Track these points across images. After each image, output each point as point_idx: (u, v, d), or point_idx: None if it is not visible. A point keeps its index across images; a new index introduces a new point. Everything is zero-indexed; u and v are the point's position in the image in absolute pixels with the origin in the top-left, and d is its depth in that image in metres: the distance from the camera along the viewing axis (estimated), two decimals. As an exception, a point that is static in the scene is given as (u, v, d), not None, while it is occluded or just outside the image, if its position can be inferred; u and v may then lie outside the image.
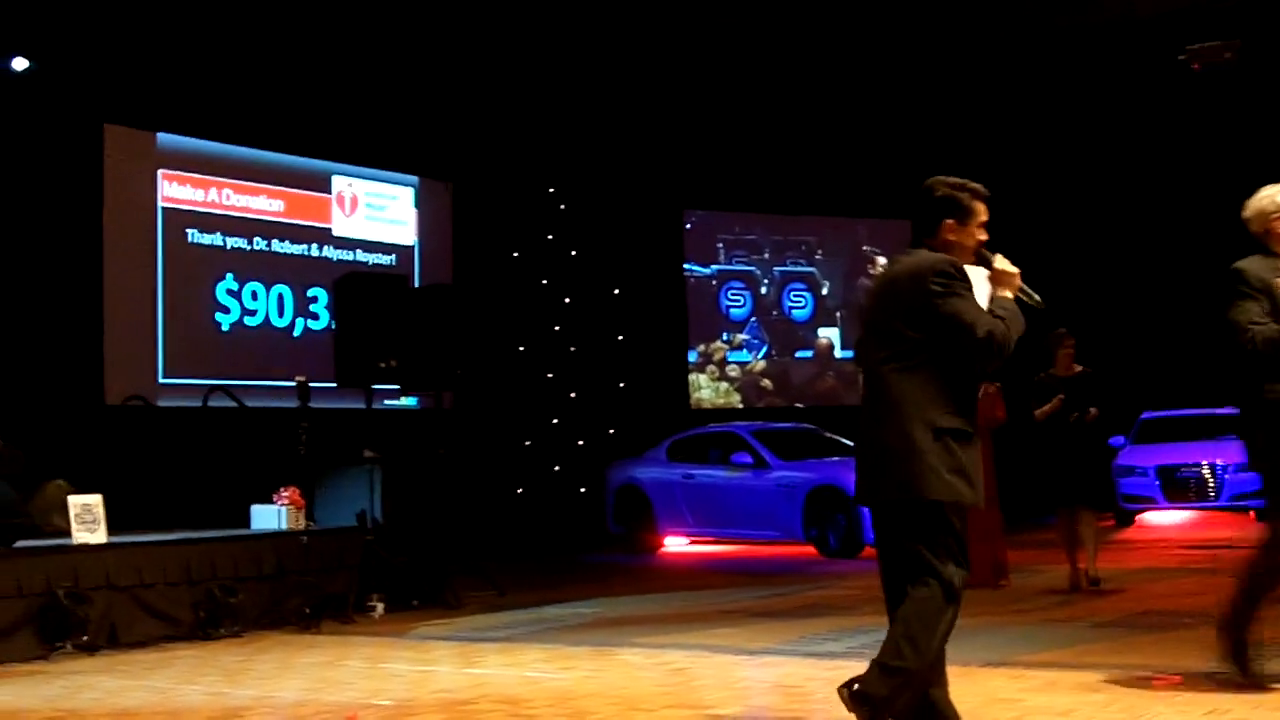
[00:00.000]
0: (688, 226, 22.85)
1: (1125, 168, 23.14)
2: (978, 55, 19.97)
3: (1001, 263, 5.75)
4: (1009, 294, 5.71)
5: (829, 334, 23.82)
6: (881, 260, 22.83)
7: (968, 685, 7.33)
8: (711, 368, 22.83)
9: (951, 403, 5.59)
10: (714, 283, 23.01)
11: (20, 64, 14.67)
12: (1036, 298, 5.74)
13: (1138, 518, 20.69)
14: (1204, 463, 19.71)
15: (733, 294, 23.09)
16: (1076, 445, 12.08)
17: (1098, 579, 12.04)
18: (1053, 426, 12.10)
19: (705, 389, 22.80)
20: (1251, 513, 18.12)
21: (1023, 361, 11.32)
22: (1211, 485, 19.69)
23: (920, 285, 5.58)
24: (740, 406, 22.60)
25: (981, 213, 5.83)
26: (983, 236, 5.83)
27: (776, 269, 23.48)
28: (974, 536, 12.32)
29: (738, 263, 23.13)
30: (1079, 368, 12.26)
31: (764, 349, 23.31)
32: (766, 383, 23.13)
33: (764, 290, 23.38)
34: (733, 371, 22.96)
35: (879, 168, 21.44)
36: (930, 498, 5.51)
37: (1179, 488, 19.92)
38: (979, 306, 5.60)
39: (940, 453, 5.53)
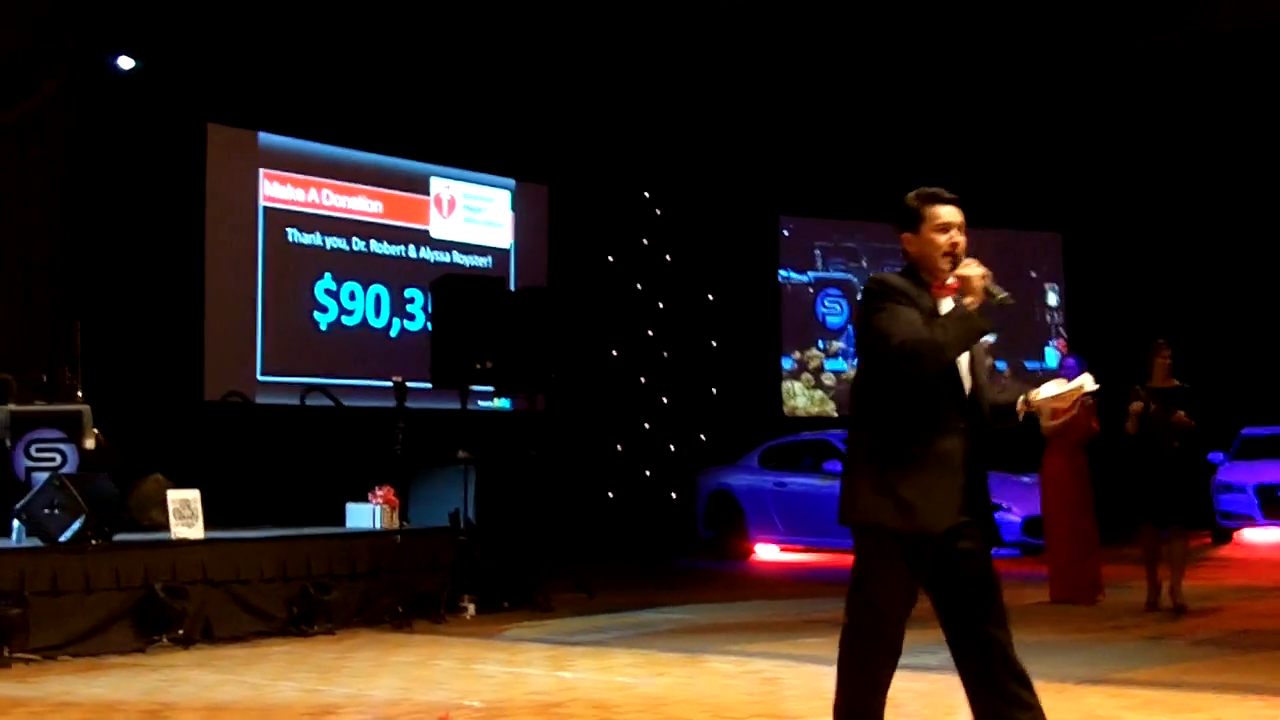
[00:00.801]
0: (784, 233, 22.77)
1: (1226, 180, 22.85)
2: (1076, 67, 19.85)
3: (963, 268, 5.37)
4: (971, 299, 5.32)
5: (925, 343, 23.60)
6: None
7: (1065, 703, 7.26)
8: (806, 375, 22.74)
9: (898, 422, 5.35)
10: (810, 290, 22.93)
11: (126, 63, 14.85)
12: (1002, 294, 5.34)
13: (1235, 535, 20.38)
14: (1304, 481, 19.44)
15: (829, 301, 22.99)
16: (1172, 462, 11.87)
17: (1183, 606, 11.61)
18: (1146, 441, 11.90)
19: (800, 397, 22.71)
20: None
21: (1121, 373, 11.26)
22: (1312, 504, 19.41)
23: (859, 309, 5.51)
24: (835, 415, 22.48)
25: (937, 216, 5.43)
26: (944, 240, 5.42)
27: (874, 277, 23.31)
28: (1070, 552, 12.35)
29: (835, 270, 23.03)
30: (1175, 381, 12.07)
31: (867, 356, 23.13)
32: (859, 391, 22.99)
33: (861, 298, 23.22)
34: (828, 379, 22.86)
35: (978, 176, 21.29)
36: (845, 520, 5.38)
37: (1278, 506, 19.63)
38: (904, 319, 5.30)
39: (870, 474, 5.33)
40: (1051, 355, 23.55)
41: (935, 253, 5.41)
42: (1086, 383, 5.38)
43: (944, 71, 19.99)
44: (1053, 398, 5.39)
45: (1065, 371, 12.17)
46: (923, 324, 5.26)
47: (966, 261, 5.37)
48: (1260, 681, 7.95)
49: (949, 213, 5.44)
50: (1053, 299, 23.98)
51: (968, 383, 5.37)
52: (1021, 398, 5.48)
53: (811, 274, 22.96)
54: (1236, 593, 13.24)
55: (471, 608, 11.85)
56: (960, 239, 5.41)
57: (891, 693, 5.69)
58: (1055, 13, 18.54)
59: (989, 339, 5.55)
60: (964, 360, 5.36)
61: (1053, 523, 12.76)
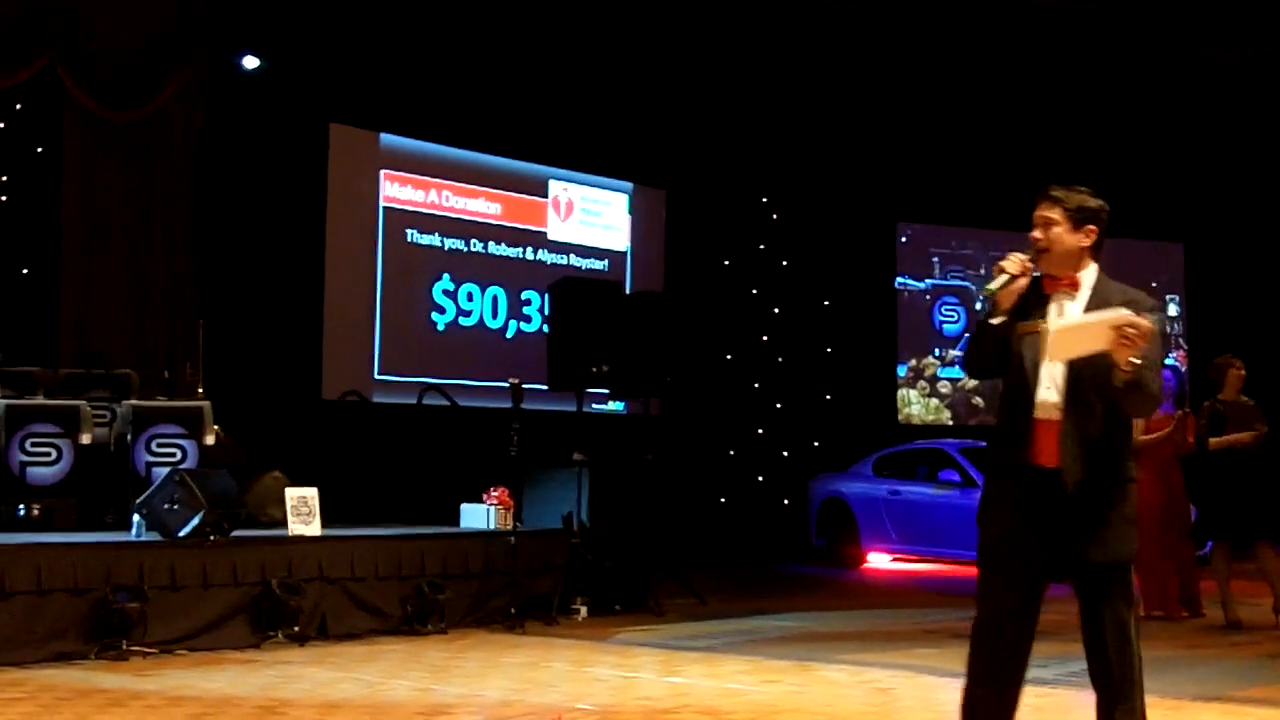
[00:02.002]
0: (902, 240, 22.63)
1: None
2: (1199, 74, 19.59)
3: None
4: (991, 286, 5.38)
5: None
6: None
7: (1181, 720, 7.17)
8: (922, 383, 22.58)
9: (996, 437, 5.51)
10: (927, 297, 22.75)
11: (251, 63, 15.03)
12: (992, 286, 5.33)
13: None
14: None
15: (946, 309, 22.80)
16: (1257, 476, 11.74)
17: None
18: (1228, 456, 11.79)
19: (915, 404, 22.56)
20: None
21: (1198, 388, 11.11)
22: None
23: None
24: (950, 423, 22.31)
25: (1035, 213, 5.49)
26: (1033, 235, 5.45)
27: (993, 285, 23.08)
28: (1161, 567, 12.10)
29: (953, 278, 22.83)
30: (1244, 398, 11.98)
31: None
32: (978, 400, 22.80)
33: (979, 306, 23.05)
34: (944, 388, 22.67)
35: (1099, 183, 21.01)
36: None
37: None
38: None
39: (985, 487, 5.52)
40: (1170, 366, 23.21)
41: (1037, 251, 5.43)
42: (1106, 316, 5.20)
43: (1066, 78, 19.77)
44: (1070, 328, 5.25)
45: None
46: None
47: (994, 266, 5.40)
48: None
49: (1038, 208, 5.45)
50: (1173, 309, 23.63)
51: (1059, 379, 5.26)
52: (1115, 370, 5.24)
53: (928, 281, 22.78)
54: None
55: (584, 610, 11.89)
56: (1039, 234, 5.39)
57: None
58: (1177, 20, 18.29)
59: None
60: (1042, 366, 5.28)
61: (1144, 538, 12.56)
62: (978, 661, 5.33)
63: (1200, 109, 20.76)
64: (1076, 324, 5.23)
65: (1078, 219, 5.39)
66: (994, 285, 5.31)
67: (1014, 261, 5.31)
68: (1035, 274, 5.39)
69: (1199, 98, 20.46)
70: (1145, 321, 5.05)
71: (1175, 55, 19.21)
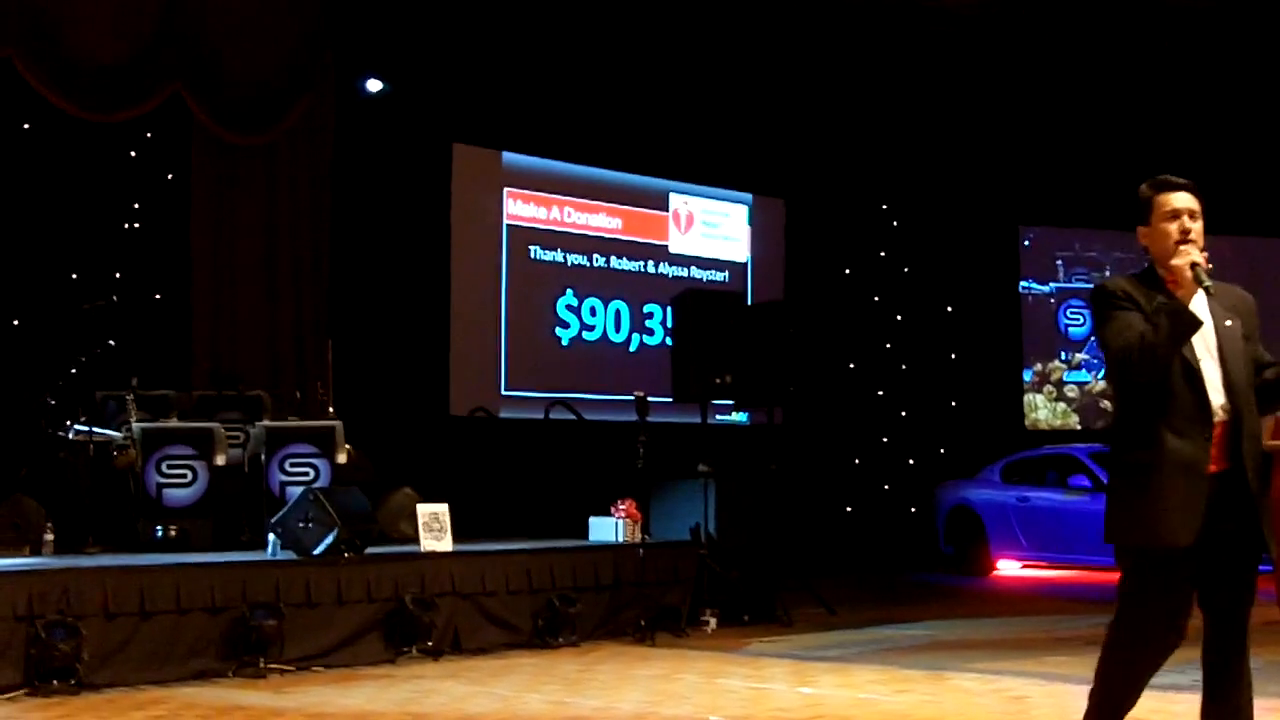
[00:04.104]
0: (1025, 243, 22.43)
1: None
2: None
3: (1175, 258, 5.09)
4: (1182, 291, 5.04)
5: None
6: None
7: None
8: (1048, 388, 22.36)
9: (1134, 432, 5.15)
10: (1052, 301, 22.54)
11: (375, 85, 15.23)
12: (1205, 282, 5.01)
13: None
14: None
15: (1072, 312, 22.56)
16: None
17: None
18: None
19: (1042, 409, 22.35)
20: None
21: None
22: None
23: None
24: (1079, 428, 22.08)
25: (1166, 204, 5.18)
26: (1174, 228, 5.14)
27: (1120, 287, 22.81)
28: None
29: (1078, 280, 22.58)
30: None
31: (1104, 369, 22.74)
32: (1107, 404, 22.54)
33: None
34: (1071, 392, 22.44)
35: (1221, 180, 20.75)
36: (1107, 541, 5.25)
37: None
38: (1121, 324, 5.07)
39: (1122, 490, 5.18)
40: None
41: (1167, 243, 5.16)
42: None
43: (1189, 75, 19.53)
44: None
45: None
46: (1143, 326, 5.02)
47: (1181, 249, 5.09)
48: None
49: (1180, 199, 5.19)
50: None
51: (1218, 381, 5.10)
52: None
53: (1053, 284, 22.56)
54: None
55: (713, 621, 11.90)
56: (1193, 225, 5.14)
57: (1142, 713, 5.60)
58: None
59: (1233, 329, 5.20)
60: (1211, 358, 5.11)
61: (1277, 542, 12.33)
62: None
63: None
64: None
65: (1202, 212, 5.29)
66: (1210, 282, 5.06)
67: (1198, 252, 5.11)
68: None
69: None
70: None
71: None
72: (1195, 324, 5.02)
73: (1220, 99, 20.11)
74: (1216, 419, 5.08)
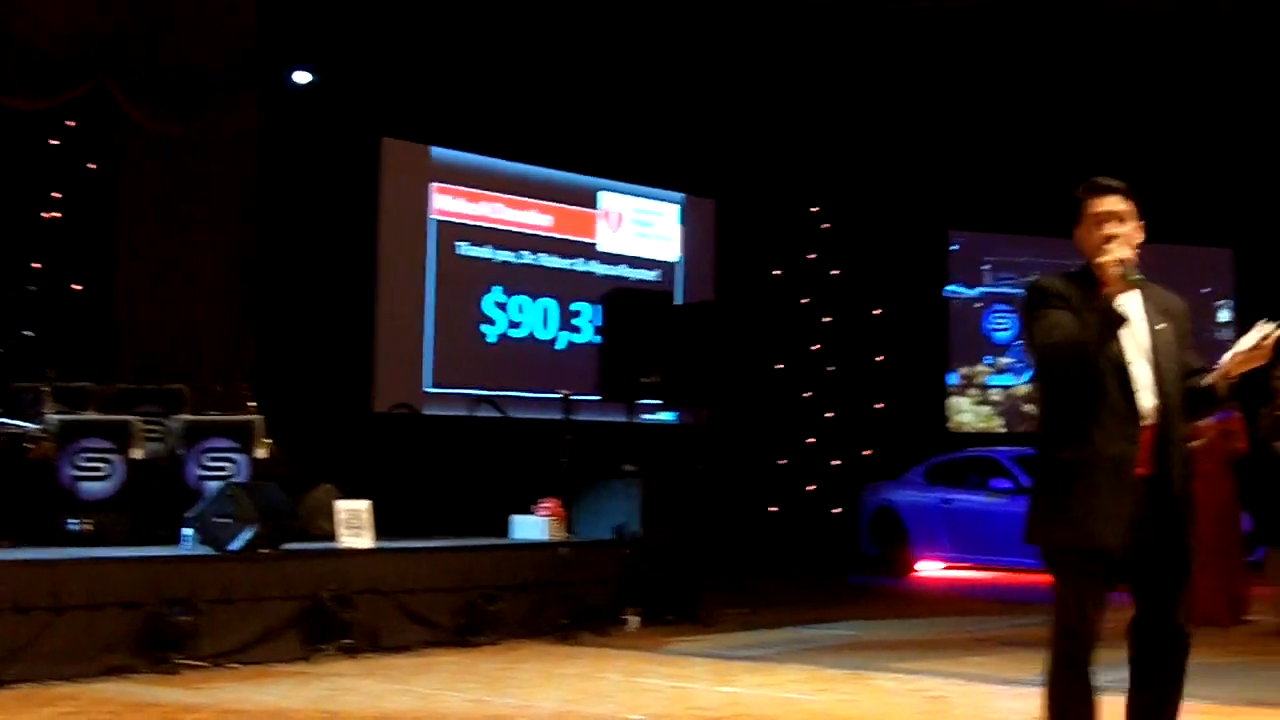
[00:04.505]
0: (953, 248, 22.54)
1: None
2: (1252, 79, 19.44)
3: (1100, 256, 5.11)
4: (1109, 289, 5.04)
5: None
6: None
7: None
8: (973, 390, 22.49)
9: (1060, 432, 5.13)
10: (978, 305, 22.67)
11: (303, 78, 15.10)
12: (1133, 275, 5.02)
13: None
14: None
15: (997, 317, 22.69)
16: None
17: None
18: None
19: (966, 412, 22.46)
20: None
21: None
22: None
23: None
24: (1003, 430, 22.20)
25: (1094, 207, 5.20)
26: (1100, 231, 5.16)
27: (1045, 292, 22.96)
28: (1211, 573, 11.94)
29: (1005, 285, 22.72)
30: None
31: (1029, 373, 22.86)
32: (1030, 407, 22.67)
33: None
34: (995, 395, 22.57)
35: (1149, 189, 20.87)
36: (1027, 541, 5.23)
37: None
38: (1050, 322, 5.08)
39: (1048, 489, 5.15)
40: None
41: (1095, 245, 5.18)
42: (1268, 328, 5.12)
43: (1116, 83, 19.66)
44: (1243, 352, 5.16)
45: None
46: (1073, 325, 5.02)
47: (1106, 248, 5.10)
48: None
49: (1109, 202, 5.21)
50: (1224, 316, 23.42)
51: (1148, 382, 5.10)
52: (1213, 374, 5.22)
53: (980, 289, 22.69)
54: None
55: (636, 621, 11.86)
56: (1120, 230, 5.15)
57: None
58: (1226, 23, 18.17)
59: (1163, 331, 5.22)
60: (1143, 359, 5.11)
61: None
62: None
63: (1250, 115, 20.59)
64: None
65: (1138, 215, 5.26)
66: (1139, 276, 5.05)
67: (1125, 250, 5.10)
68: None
69: (1248, 104, 20.30)
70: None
71: (1223, 61, 19.07)
72: (1121, 320, 5.02)
73: (1152, 106, 20.25)
74: (1146, 421, 5.07)
